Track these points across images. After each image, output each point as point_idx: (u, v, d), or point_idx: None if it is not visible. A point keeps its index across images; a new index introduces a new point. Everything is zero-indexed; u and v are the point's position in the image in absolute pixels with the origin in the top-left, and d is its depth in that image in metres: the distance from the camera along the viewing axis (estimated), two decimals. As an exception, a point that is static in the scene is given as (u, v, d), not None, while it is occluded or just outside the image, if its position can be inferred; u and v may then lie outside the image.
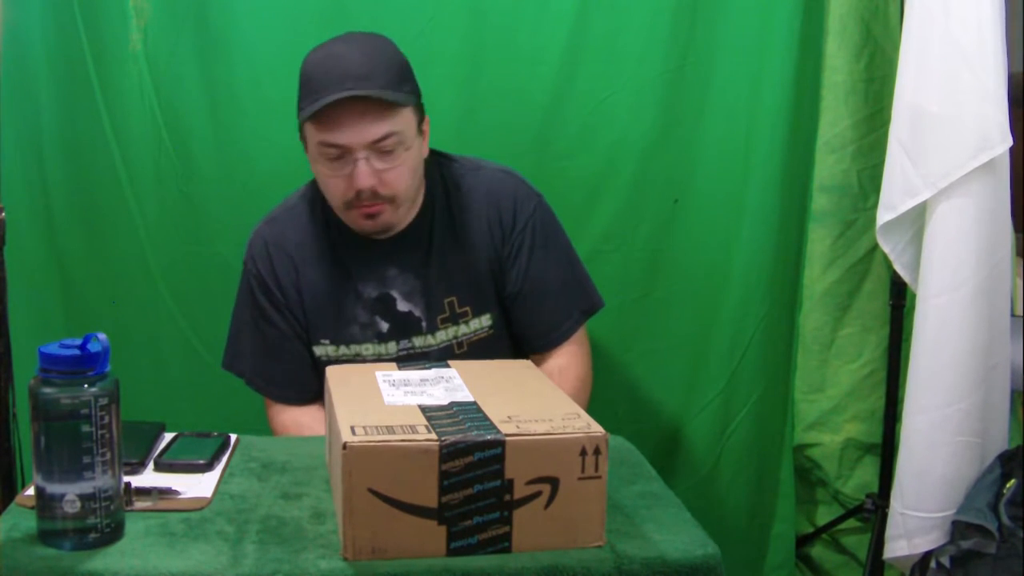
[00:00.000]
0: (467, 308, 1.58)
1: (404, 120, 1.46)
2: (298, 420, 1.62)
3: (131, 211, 1.88)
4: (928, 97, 1.60)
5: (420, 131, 1.52)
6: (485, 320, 1.59)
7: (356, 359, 1.58)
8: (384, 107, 1.42)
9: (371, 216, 1.49)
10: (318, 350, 1.60)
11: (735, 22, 1.88)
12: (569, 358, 1.62)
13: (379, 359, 1.58)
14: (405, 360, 1.57)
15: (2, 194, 1.63)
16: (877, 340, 2.02)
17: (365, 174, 1.44)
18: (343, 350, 1.59)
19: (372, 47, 1.47)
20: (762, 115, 1.90)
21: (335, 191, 1.49)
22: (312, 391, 1.62)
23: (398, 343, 1.58)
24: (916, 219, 1.68)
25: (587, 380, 1.64)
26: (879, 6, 1.93)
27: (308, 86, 1.45)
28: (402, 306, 1.57)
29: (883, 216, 1.69)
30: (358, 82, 1.41)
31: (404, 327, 1.57)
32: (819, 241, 2.01)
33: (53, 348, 0.99)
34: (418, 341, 1.58)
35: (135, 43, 1.83)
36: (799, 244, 2.01)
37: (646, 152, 1.91)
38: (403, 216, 1.53)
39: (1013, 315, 1.69)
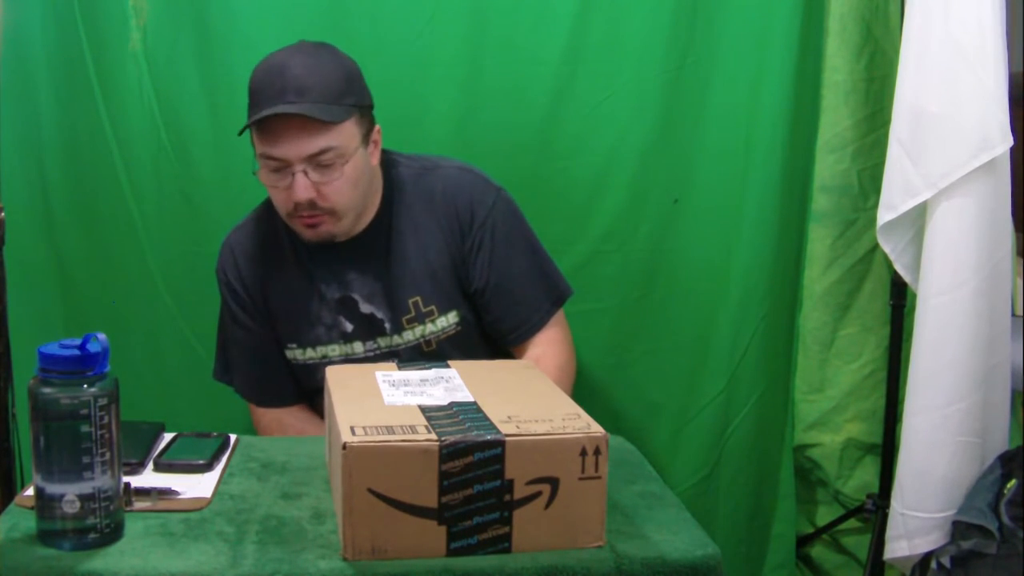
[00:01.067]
0: (432, 307, 1.57)
1: (344, 134, 1.45)
2: (281, 420, 1.63)
3: (131, 211, 1.88)
4: (928, 97, 1.60)
5: (366, 141, 1.51)
6: (452, 317, 1.58)
7: (323, 361, 1.59)
8: (321, 122, 1.42)
9: (312, 226, 1.50)
10: (288, 354, 1.61)
11: (735, 22, 1.88)
12: (546, 347, 1.61)
13: (347, 360, 1.59)
14: (373, 360, 1.58)
15: (2, 194, 1.63)
16: (877, 340, 2.02)
17: (303, 187, 1.44)
18: (310, 352, 1.59)
19: (315, 59, 1.46)
20: (762, 115, 1.90)
21: (277, 201, 1.50)
22: (293, 393, 1.64)
23: (364, 343, 1.58)
24: (916, 219, 1.68)
25: (567, 367, 1.63)
26: (879, 6, 1.92)
27: (252, 96, 1.46)
28: (364, 308, 1.57)
29: (883, 216, 1.69)
30: (296, 96, 1.41)
31: (368, 328, 1.58)
32: (819, 241, 2.01)
33: (53, 348, 0.99)
34: (383, 342, 1.58)
35: (135, 43, 1.83)
36: (799, 244, 2.01)
37: (646, 152, 1.91)
38: (347, 226, 1.53)
39: (1013, 315, 1.69)
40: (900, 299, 1.91)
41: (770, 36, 1.88)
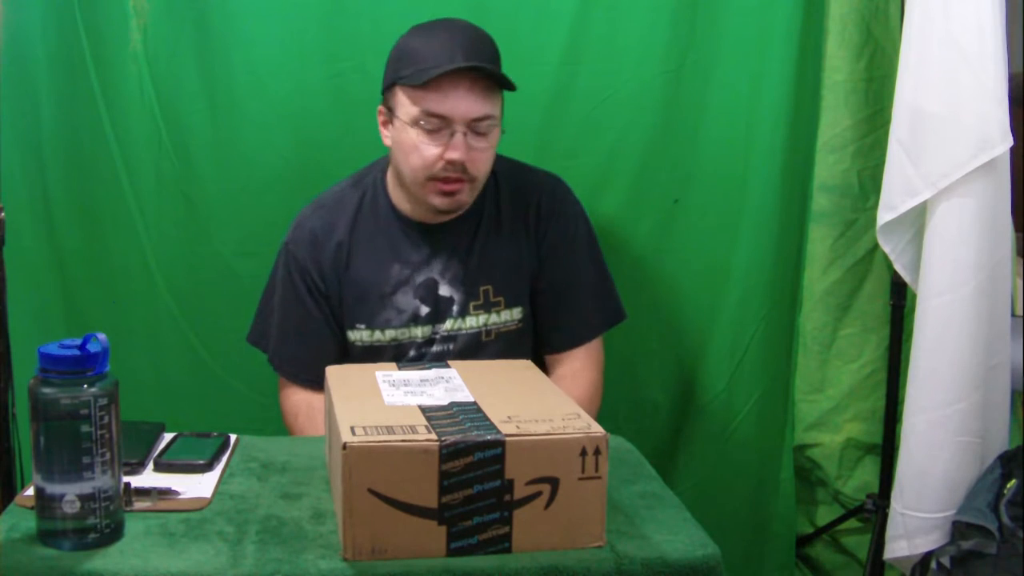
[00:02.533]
0: (501, 298, 1.62)
1: (499, 106, 1.53)
2: (310, 402, 1.63)
3: (131, 211, 1.88)
4: (928, 97, 1.60)
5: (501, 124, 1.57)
6: (516, 313, 1.62)
7: (391, 344, 1.61)
8: (489, 88, 1.49)
9: (449, 193, 1.52)
10: (352, 335, 1.62)
11: (735, 22, 1.88)
12: (584, 363, 1.64)
13: (412, 342, 1.61)
14: (433, 342, 1.62)
15: (2, 194, 1.63)
16: (877, 340, 2.02)
17: (462, 147, 1.48)
18: (377, 335, 1.61)
19: (480, 32, 1.54)
20: (762, 115, 1.90)
21: (423, 162, 1.50)
22: None
23: (433, 327, 1.61)
24: (916, 219, 1.68)
25: (599, 387, 1.66)
26: (879, 6, 1.93)
27: (415, 56, 1.49)
28: (444, 291, 1.61)
29: (883, 216, 1.69)
30: (472, 57, 1.46)
31: (441, 311, 1.61)
32: (819, 241, 2.01)
33: (53, 348, 0.99)
34: (449, 324, 1.61)
35: (135, 43, 1.83)
36: (799, 244, 2.01)
37: (646, 152, 1.91)
38: (472, 198, 1.58)
39: (1013, 315, 1.69)
40: (900, 299, 1.91)
41: (770, 36, 1.88)
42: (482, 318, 1.61)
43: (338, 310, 1.62)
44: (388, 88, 1.54)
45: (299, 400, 1.64)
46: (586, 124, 1.90)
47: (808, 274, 2.02)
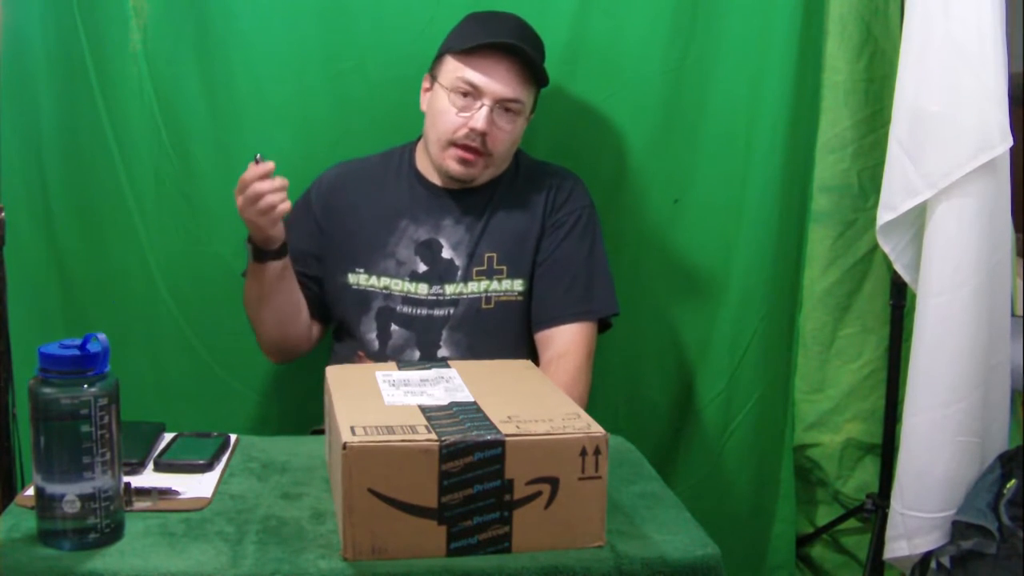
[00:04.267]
0: (504, 267, 1.67)
1: (531, 96, 1.65)
2: None
3: (131, 211, 1.88)
4: (928, 97, 1.60)
5: (529, 116, 1.69)
6: (518, 284, 1.67)
7: (382, 291, 1.67)
8: (526, 76, 1.61)
9: (465, 162, 1.62)
10: (351, 278, 1.69)
11: (735, 22, 1.88)
12: (568, 347, 1.64)
13: (406, 297, 1.66)
14: (432, 304, 1.65)
15: (2, 194, 1.63)
16: (877, 340, 2.02)
17: (485, 120, 1.59)
18: (373, 280, 1.68)
19: (532, 29, 1.67)
20: (762, 115, 1.90)
21: (448, 125, 1.61)
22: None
23: (430, 286, 1.66)
24: (916, 219, 1.69)
25: (584, 374, 1.65)
26: (879, 6, 1.93)
27: (468, 31, 1.63)
28: (446, 253, 1.67)
29: (883, 216, 1.70)
30: (517, 40, 1.59)
31: (441, 273, 1.67)
32: (819, 241, 2.01)
33: (53, 348, 0.99)
34: (449, 288, 1.66)
35: (135, 43, 1.82)
36: (799, 244, 2.01)
37: (646, 152, 1.91)
38: (486, 176, 1.67)
39: (1013, 315, 1.70)
40: (900, 299, 1.91)
41: (770, 36, 1.88)
42: (483, 283, 1.66)
43: (330, 250, 1.70)
44: (437, 58, 1.66)
45: None
46: (586, 124, 1.90)
47: (808, 274, 2.02)
